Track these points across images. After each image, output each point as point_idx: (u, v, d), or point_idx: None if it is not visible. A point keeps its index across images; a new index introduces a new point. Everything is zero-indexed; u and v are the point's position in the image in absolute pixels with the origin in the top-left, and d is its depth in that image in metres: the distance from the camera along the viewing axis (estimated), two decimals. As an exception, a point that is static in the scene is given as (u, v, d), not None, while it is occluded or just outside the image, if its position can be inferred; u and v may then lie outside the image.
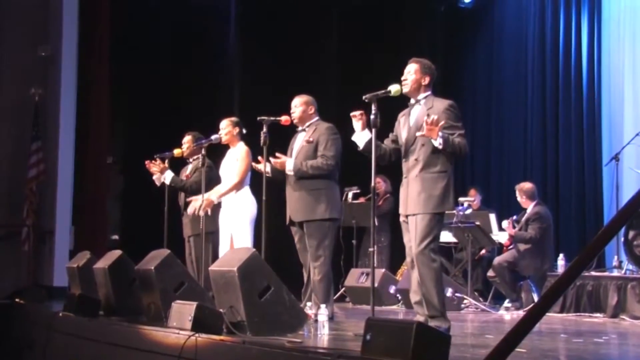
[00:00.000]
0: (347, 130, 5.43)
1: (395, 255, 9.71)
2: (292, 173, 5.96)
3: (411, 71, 5.12)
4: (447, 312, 5.07)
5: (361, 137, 5.09)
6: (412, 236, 5.01)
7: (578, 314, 7.31)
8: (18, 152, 9.96)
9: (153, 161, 7.36)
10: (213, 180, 6.95)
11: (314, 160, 5.94)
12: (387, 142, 5.25)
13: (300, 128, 6.18)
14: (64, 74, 9.93)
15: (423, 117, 4.99)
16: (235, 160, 6.80)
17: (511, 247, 8.36)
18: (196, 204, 6.74)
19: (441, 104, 5.04)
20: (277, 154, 6.02)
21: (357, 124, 5.12)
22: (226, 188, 6.73)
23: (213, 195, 6.73)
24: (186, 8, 11.00)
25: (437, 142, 4.84)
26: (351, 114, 5.16)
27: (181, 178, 7.42)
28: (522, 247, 8.14)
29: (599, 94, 9.75)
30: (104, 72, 10.14)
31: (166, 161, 7.35)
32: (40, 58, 10.12)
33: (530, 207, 8.29)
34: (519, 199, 8.38)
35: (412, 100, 5.15)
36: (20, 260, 9.75)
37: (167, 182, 7.31)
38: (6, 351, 7.74)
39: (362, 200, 9.49)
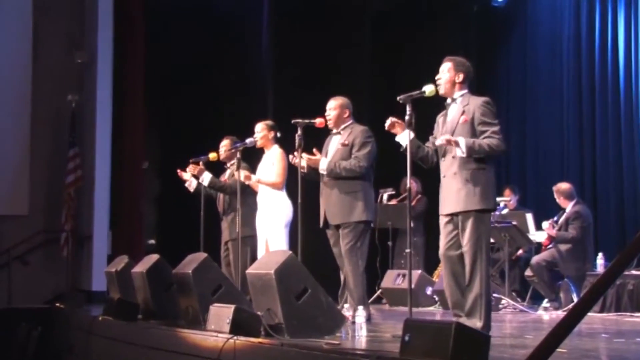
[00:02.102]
0: (381, 131, 5.42)
1: (430, 257, 9.67)
2: (324, 172, 5.96)
3: (444, 70, 5.09)
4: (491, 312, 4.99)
5: (403, 137, 5.04)
6: (447, 234, 4.96)
7: (619, 313, 7.22)
8: (56, 158, 10.11)
9: (187, 167, 7.38)
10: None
11: (347, 162, 5.93)
12: (429, 144, 5.20)
13: (335, 131, 6.16)
14: (99, 80, 10.05)
15: (459, 115, 4.96)
16: (272, 164, 6.82)
17: (550, 246, 8.27)
18: (242, 173, 6.76)
19: (476, 100, 4.99)
20: (314, 150, 6.01)
21: (394, 130, 5.11)
22: (266, 181, 6.77)
23: (254, 177, 6.77)
24: (219, 12, 11.06)
25: (460, 152, 4.81)
26: (386, 126, 5.13)
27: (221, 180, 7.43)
28: (562, 247, 8.06)
29: (636, 92, 9.62)
30: (139, 78, 10.24)
31: (200, 164, 7.36)
32: (76, 65, 10.25)
33: (569, 206, 8.22)
34: (557, 199, 8.30)
35: (449, 100, 5.11)
36: (59, 265, 9.88)
37: (206, 183, 7.30)
38: (47, 355, 7.84)
39: (394, 201, 9.47)
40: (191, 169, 7.32)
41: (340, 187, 5.98)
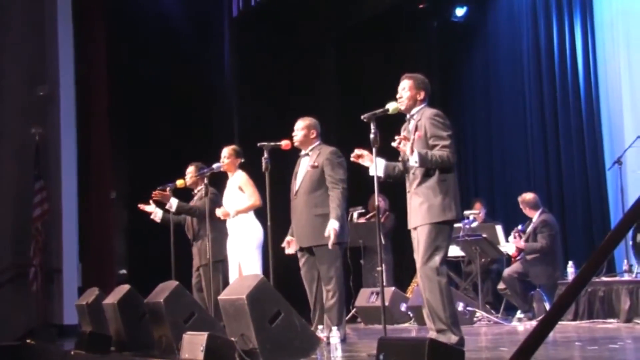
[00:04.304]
0: (348, 150, 5.42)
1: (400, 273, 9.71)
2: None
3: (405, 87, 5.12)
4: (459, 325, 5.00)
5: (377, 168, 5.01)
6: (416, 248, 4.99)
7: (591, 320, 7.27)
8: (22, 191, 9.99)
9: (151, 197, 7.34)
10: (218, 207, 6.94)
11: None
12: (400, 161, 5.22)
13: (303, 152, 6.17)
14: (63, 112, 9.98)
15: (414, 131, 5.00)
16: (237, 189, 6.82)
17: (519, 257, 8.33)
18: (219, 211, 6.77)
19: (427, 113, 5.02)
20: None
21: (362, 162, 5.12)
22: (244, 206, 6.76)
23: (231, 209, 6.75)
24: (182, 39, 11.06)
25: (413, 161, 4.84)
26: (351, 158, 5.15)
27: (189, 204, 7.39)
28: (530, 256, 8.12)
29: (597, 99, 9.75)
30: (102, 109, 10.20)
31: (167, 190, 7.32)
32: (39, 97, 10.17)
33: (535, 216, 8.29)
34: (523, 210, 8.38)
35: (407, 116, 5.16)
36: (29, 300, 9.74)
37: (174, 208, 7.27)
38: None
39: (362, 219, 9.50)
40: (156, 195, 7.26)
41: (310, 208, 5.96)
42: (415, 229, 5.00)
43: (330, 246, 5.78)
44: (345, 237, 5.99)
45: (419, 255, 4.93)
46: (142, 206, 7.50)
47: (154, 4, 11.22)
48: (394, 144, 4.91)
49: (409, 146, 4.83)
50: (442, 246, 4.91)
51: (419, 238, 4.93)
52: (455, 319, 4.89)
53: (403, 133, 5.16)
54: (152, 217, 7.53)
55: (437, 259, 4.86)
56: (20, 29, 10.33)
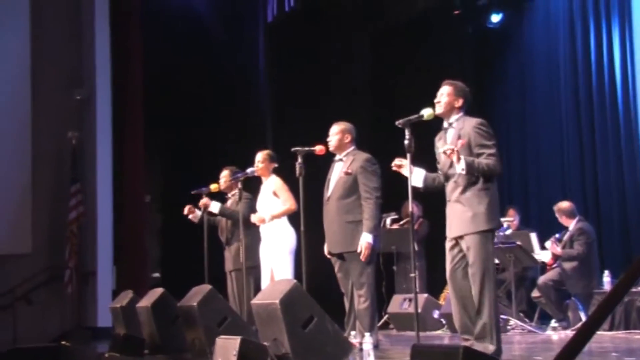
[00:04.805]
0: (381, 156, 5.41)
1: (433, 280, 9.65)
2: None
3: (444, 93, 5.10)
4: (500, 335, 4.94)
5: (415, 178, 5.04)
6: (453, 257, 4.94)
7: (628, 331, 7.17)
8: (58, 195, 10.11)
9: (191, 205, 7.36)
10: (254, 210, 6.96)
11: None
12: (440, 172, 5.18)
13: (337, 157, 6.16)
14: (99, 116, 10.10)
15: (456, 140, 4.96)
16: (272, 194, 6.82)
17: (555, 265, 8.24)
18: (254, 217, 6.79)
19: (471, 122, 5.00)
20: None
21: (402, 171, 5.11)
22: (279, 211, 6.76)
23: (266, 215, 6.76)
24: (218, 42, 11.14)
25: (460, 168, 4.82)
26: (393, 167, 5.14)
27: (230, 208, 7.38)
28: (567, 265, 8.03)
29: (635, 107, 9.61)
30: (138, 113, 10.29)
31: (203, 196, 7.34)
32: (76, 101, 10.29)
33: (572, 224, 8.20)
34: (559, 219, 8.29)
35: (445, 124, 5.12)
36: (64, 302, 9.84)
37: (216, 210, 7.29)
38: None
39: (396, 226, 9.47)
40: (203, 202, 7.26)
41: (342, 215, 5.95)
42: (457, 238, 4.97)
43: (362, 259, 5.77)
44: (377, 244, 5.98)
45: (470, 262, 4.88)
46: (190, 208, 7.49)
47: (190, 10, 11.31)
48: (440, 150, 4.90)
49: (456, 154, 4.81)
50: (492, 251, 4.91)
51: (469, 246, 4.89)
52: (497, 328, 4.85)
53: (439, 142, 5.14)
54: (190, 217, 7.52)
55: (489, 264, 4.84)
56: (57, 34, 10.48)
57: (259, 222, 6.80)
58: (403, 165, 5.10)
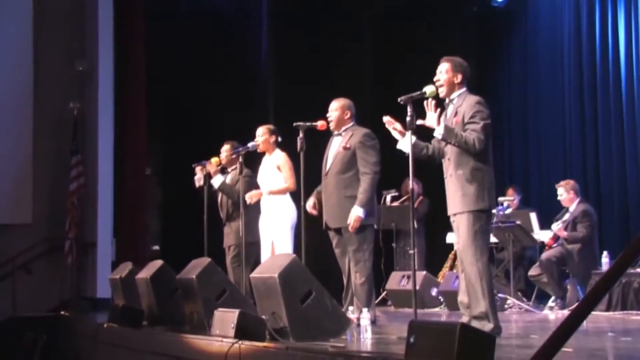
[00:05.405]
0: (382, 133, 5.39)
1: (432, 257, 9.69)
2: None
3: (442, 71, 5.08)
4: (497, 313, 4.95)
5: (404, 143, 5.02)
6: (456, 235, 4.97)
7: (625, 312, 7.20)
8: (59, 166, 10.11)
9: (202, 166, 7.31)
10: (253, 187, 6.95)
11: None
12: (435, 142, 5.16)
13: (336, 132, 6.15)
14: (101, 87, 10.06)
15: (452, 117, 4.96)
16: (276, 168, 6.81)
17: (555, 245, 8.23)
18: (248, 196, 6.77)
19: (469, 100, 4.98)
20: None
21: (394, 132, 5.09)
22: (278, 188, 6.76)
23: (264, 189, 6.77)
24: (219, 17, 11.08)
25: (437, 132, 4.83)
26: (384, 120, 5.12)
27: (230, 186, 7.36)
28: (571, 247, 8.02)
29: (638, 89, 9.60)
30: (139, 86, 10.26)
31: (202, 167, 7.29)
32: (77, 72, 10.26)
33: (573, 205, 8.19)
34: (564, 195, 8.23)
35: (447, 100, 5.11)
36: (63, 273, 9.88)
37: (216, 185, 7.26)
38: (53, 363, 7.83)
39: (396, 203, 9.48)
40: (211, 166, 7.23)
41: (340, 189, 5.94)
42: (454, 215, 4.99)
43: (350, 229, 5.77)
44: (374, 220, 5.98)
45: (459, 241, 4.91)
46: (199, 167, 7.41)
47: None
48: (419, 122, 4.88)
49: (435, 118, 4.79)
50: (480, 232, 4.88)
51: (459, 225, 4.93)
52: (493, 307, 4.86)
53: (441, 118, 5.12)
54: (195, 178, 7.46)
55: (476, 244, 4.84)
56: (59, 5, 10.42)
57: (256, 197, 6.78)
58: (393, 122, 5.08)
